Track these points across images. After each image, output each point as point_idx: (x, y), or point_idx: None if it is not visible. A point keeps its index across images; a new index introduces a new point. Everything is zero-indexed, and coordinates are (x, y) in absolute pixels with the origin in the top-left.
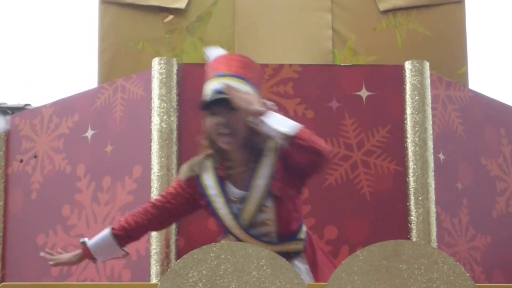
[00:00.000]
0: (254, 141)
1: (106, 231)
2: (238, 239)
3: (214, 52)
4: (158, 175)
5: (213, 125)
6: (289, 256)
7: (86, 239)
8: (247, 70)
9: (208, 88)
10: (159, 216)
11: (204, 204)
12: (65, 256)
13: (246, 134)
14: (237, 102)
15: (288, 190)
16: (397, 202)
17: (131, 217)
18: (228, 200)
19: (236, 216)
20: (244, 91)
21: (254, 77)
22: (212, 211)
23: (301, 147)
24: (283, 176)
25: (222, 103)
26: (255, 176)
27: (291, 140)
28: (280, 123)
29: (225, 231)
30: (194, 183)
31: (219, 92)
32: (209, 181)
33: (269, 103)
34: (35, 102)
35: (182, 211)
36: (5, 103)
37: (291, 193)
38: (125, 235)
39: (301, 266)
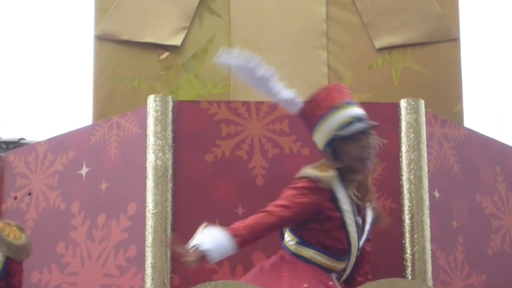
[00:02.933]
0: (367, 185)
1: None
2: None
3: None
4: (153, 213)
5: (361, 147)
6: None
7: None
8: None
9: (351, 113)
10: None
11: (327, 217)
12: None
13: None
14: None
15: None
16: (393, 239)
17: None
18: (356, 219)
19: (360, 237)
20: None
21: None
22: (342, 226)
23: None
24: None
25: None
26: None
27: None
28: None
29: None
30: (328, 194)
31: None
32: (342, 195)
33: None
34: (30, 137)
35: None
36: None
37: None
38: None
39: None
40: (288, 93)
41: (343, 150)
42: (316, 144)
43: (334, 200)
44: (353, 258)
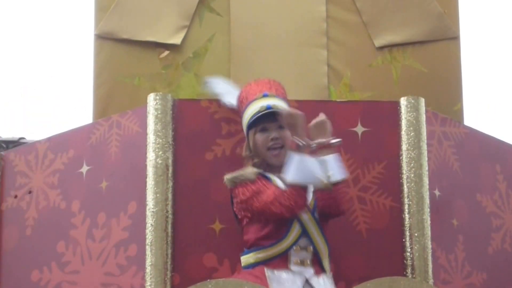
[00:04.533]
0: None
1: None
2: (304, 227)
3: (216, 83)
4: (153, 211)
5: (264, 140)
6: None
7: None
8: (283, 91)
9: (256, 106)
10: None
11: None
12: None
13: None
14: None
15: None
16: (393, 238)
17: None
18: None
19: None
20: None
21: (286, 97)
22: None
23: (331, 198)
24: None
25: (272, 120)
26: None
27: (330, 187)
28: (330, 166)
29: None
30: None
31: (269, 108)
32: (278, 180)
33: (336, 140)
34: (30, 136)
35: None
36: None
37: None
38: None
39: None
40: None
41: (254, 141)
42: None
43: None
44: (304, 219)
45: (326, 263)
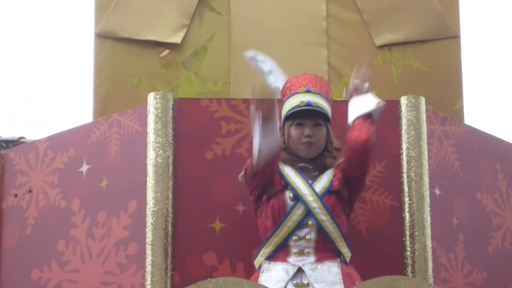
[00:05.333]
0: (323, 159)
1: None
2: (308, 208)
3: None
4: (153, 210)
5: (298, 134)
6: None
7: None
8: (329, 90)
9: (297, 100)
10: None
11: (275, 186)
12: None
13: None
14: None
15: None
16: (393, 237)
17: None
18: (304, 178)
19: (311, 186)
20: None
21: (331, 97)
22: (288, 186)
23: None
24: (340, 183)
25: (309, 116)
26: (318, 179)
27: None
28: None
29: (276, 224)
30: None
31: (310, 105)
32: (288, 169)
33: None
34: (29, 136)
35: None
36: None
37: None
38: None
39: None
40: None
41: (288, 134)
42: None
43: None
44: (308, 201)
45: (342, 248)
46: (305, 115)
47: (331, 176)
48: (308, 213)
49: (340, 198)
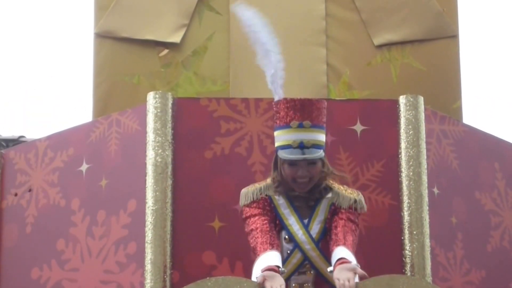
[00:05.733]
0: (316, 186)
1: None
2: (306, 256)
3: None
4: (152, 209)
5: (291, 173)
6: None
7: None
8: (322, 114)
9: (289, 137)
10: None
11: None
12: None
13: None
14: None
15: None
16: (392, 236)
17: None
18: (300, 217)
19: (309, 232)
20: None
21: (325, 120)
22: (283, 228)
23: None
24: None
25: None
26: (314, 214)
27: None
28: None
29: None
30: (266, 202)
31: (302, 146)
32: (282, 201)
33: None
34: (29, 135)
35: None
36: None
37: None
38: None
39: None
40: (277, 79)
41: (282, 169)
42: None
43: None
44: (314, 252)
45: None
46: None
47: (327, 210)
48: (305, 259)
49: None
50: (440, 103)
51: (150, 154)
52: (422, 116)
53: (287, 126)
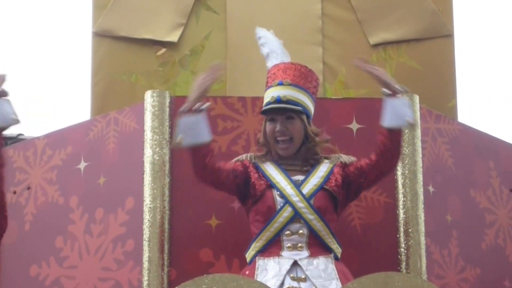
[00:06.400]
0: (308, 151)
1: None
2: (294, 209)
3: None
4: (150, 207)
5: (271, 131)
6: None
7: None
8: (307, 80)
9: (269, 95)
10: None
11: (258, 189)
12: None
13: (301, 143)
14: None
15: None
16: (387, 234)
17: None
18: (289, 176)
19: (297, 187)
20: None
21: (312, 87)
22: (272, 186)
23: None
24: (336, 184)
25: (281, 112)
26: (311, 175)
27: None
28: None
29: (268, 219)
30: (246, 167)
31: (278, 100)
32: (269, 166)
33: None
34: (28, 133)
35: (232, 183)
36: None
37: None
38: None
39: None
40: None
41: (264, 130)
42: None
43: (259, 171)
44: (294, 201)
45: (332, 244)
46: (276, 110)
47: (327, 172)
48: (296, 213)
49: (333, 198)
50: (436, 102)
51: (148, 152)
52: (418, 114)
53: (269, 86)
